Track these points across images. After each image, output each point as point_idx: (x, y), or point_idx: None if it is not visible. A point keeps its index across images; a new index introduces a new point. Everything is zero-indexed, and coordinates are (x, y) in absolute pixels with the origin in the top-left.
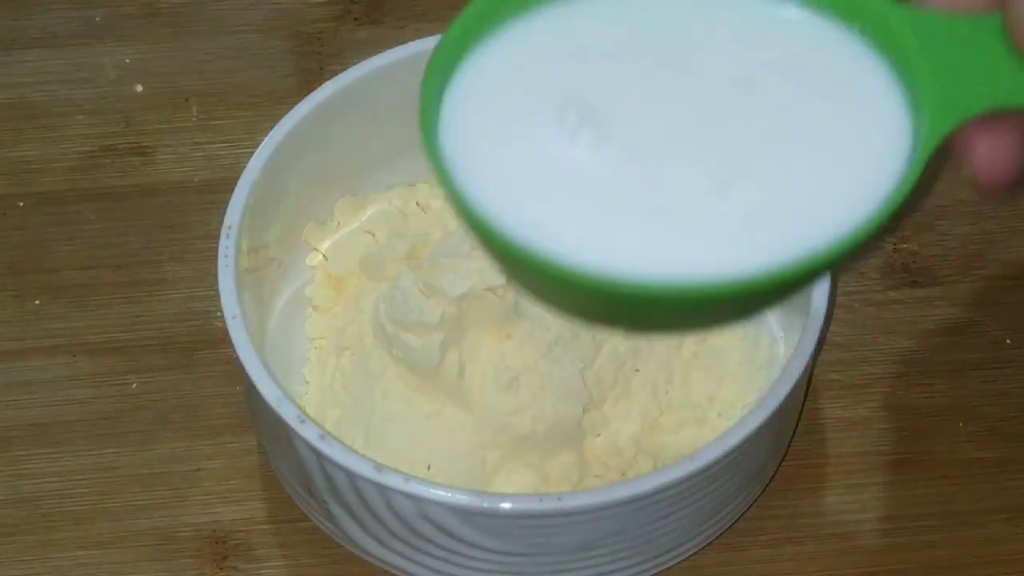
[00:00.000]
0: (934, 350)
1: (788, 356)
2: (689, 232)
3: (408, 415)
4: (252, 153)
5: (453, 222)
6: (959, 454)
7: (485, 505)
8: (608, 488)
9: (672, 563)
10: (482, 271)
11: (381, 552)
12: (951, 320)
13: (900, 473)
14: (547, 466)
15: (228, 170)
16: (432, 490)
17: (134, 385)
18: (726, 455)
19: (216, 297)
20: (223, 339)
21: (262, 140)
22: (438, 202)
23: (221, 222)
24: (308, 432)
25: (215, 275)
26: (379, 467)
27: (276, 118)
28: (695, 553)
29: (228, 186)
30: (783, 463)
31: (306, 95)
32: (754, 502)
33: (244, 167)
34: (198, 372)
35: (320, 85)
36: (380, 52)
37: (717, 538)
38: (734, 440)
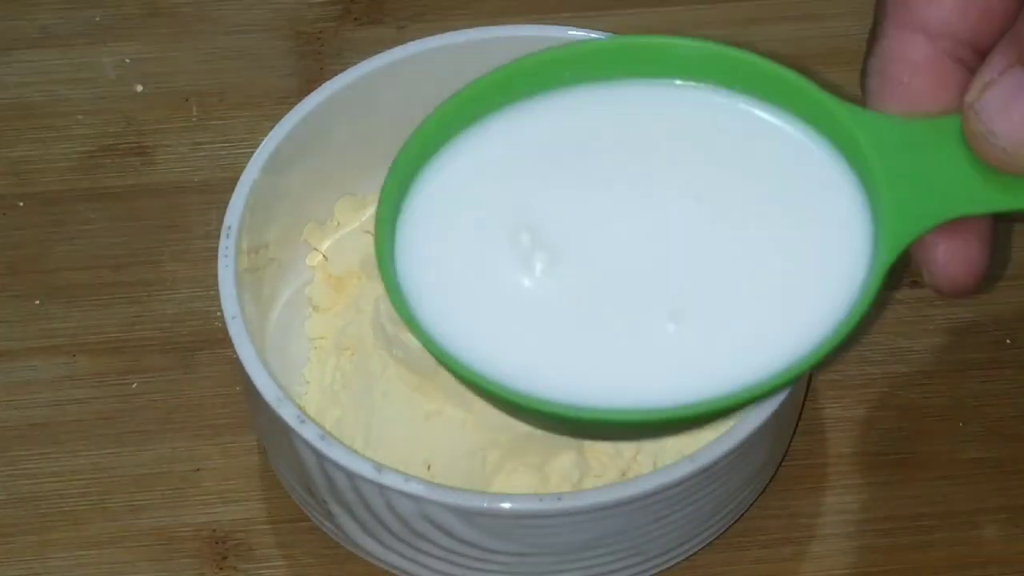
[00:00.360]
0: (934, 350)
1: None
2: (644, 360)
3: (408, 415)
4: (252, 153)
5: None
6: (959, 454)
7: (485, 505)
8: (608, 488)
9: (672, 563)
10: None
11: (381, 552)
12: (951, 320)
13: (900, 473)
14: (547, 466)
15: (228, 170)
16: (432, 490)
17: (134, 385)
18: (726, 455)
19: (216, 297)
20: (223, 339)
21: (262, 140)
22: None
23: (221, 222)
24: (308, 432)
25: (215, 275)
26: (379, 467)
27: (276, 118)
28: (695, 553)
29: (228, 186)
30: (783, 463)
31: (306, 95)
32: (754, 502)
33: (244, 167)
34: (198, 372)
35: (320, 85)
36: (380, 52)
37: (717, 538)
38: (734, 440)
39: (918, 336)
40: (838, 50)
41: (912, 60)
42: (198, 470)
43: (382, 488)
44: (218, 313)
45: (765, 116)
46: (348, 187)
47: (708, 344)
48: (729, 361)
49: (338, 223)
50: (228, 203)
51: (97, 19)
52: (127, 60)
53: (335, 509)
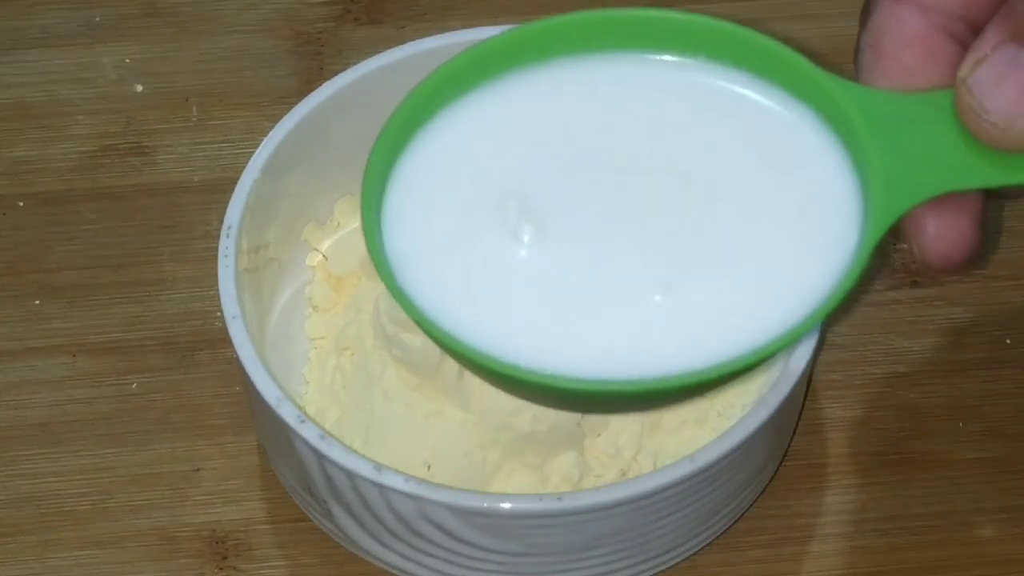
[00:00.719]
0: (934, 350)
1: (788, 356)
2: (634, 331)
3: (408, 415)
4: (252, 153)
5: None
6: (959, 454)
7: (485, 505)
8: (608, 488)
9: (672, 563)
10: None
11: (381, 552)
12: (951, 320)
13: (900, 473)
14: (547, 466)
15: (228, 170)
16: (432, 490)
17: (134, 385)
18: (726, 455)
19: (216, 297)
20: (223, 339)
21: (262, 140)
22: None
23: (221, 222)
24: (308, 432)
25: (215, 275)
26: (379, 467)
27: (276, 118)
28: (695, 553)
29: (228, 186)
30: (783, 463)
31: (306, 95)
32: (754, 502)
33: (244, 167)
34: (198, 372)
35: (320, 85)
36: (380, 52)
37: (717, 538)
38: (734, 440)
39: (918, 336)
40: (838, 50)
41: (905, 34)
42: (198, 470)
43: (382, 488)
44: (218, 313)
45: (747, 91)
46: (348, 187)
47: (694, 315)
48: (715, 334)
49: (338, 223)
50: (228, 203)
51: (97, 19)
52: (127, 60)
53: (335, 509)
